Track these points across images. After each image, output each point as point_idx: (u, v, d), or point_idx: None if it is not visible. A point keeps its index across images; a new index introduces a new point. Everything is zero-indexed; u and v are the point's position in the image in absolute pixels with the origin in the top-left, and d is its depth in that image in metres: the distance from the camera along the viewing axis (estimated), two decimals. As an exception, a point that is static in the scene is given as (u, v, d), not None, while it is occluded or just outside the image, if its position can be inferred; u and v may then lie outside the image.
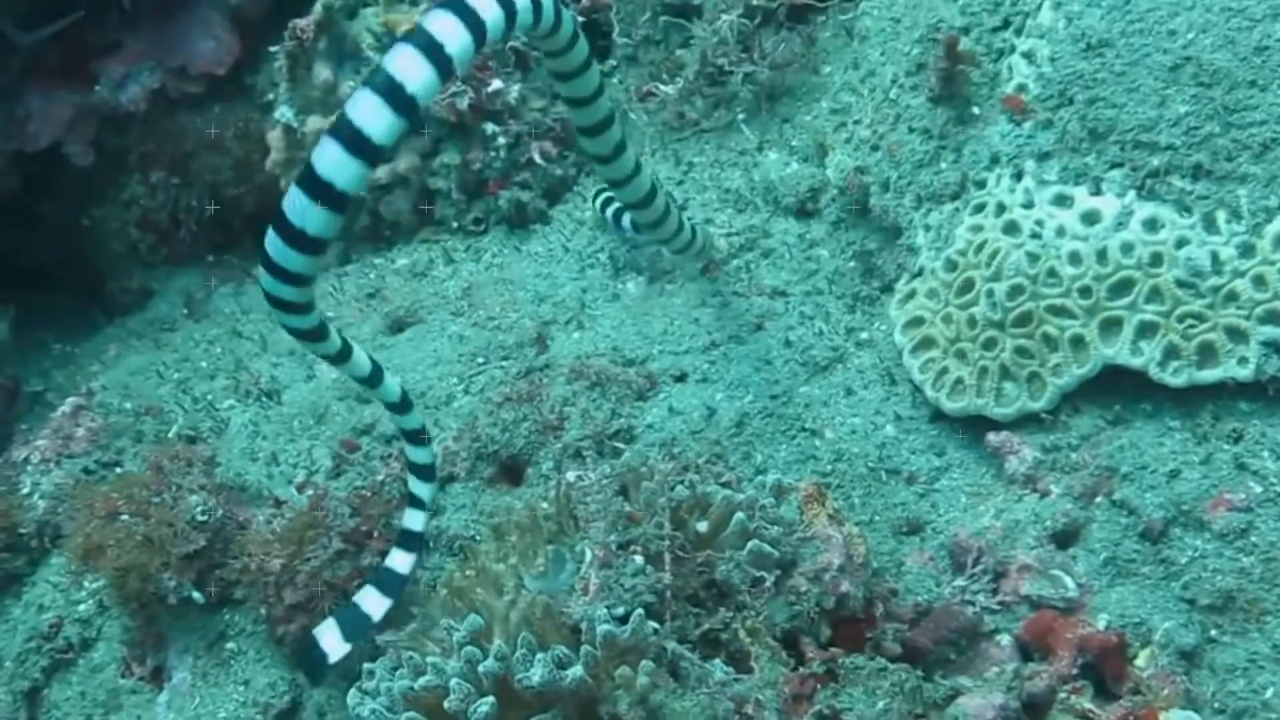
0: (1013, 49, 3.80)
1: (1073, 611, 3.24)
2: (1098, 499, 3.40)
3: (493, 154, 4.82)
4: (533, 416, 3.86)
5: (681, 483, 3.04)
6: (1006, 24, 3.84)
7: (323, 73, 4.93)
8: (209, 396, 4.51)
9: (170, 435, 4.38)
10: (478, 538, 3.60)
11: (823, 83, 4.61)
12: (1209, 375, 3.39)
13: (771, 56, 4.62)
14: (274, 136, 5.11)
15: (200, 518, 3.77)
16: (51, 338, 5.56)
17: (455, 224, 4.90)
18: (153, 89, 5.44)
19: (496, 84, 4.79)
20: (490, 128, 4.81)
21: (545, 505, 3.12)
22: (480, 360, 4.22)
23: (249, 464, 4.14)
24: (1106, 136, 3.56)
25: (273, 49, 5.03)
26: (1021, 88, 3.72)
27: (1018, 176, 3.66)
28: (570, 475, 3.19)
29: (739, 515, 2.98)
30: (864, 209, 4.12)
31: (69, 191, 5.61)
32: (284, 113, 5.04)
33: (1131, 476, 3.39)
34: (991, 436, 3.55)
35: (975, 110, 3.83)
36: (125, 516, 3.81)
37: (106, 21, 5.43)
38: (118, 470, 4.33)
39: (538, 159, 4.84)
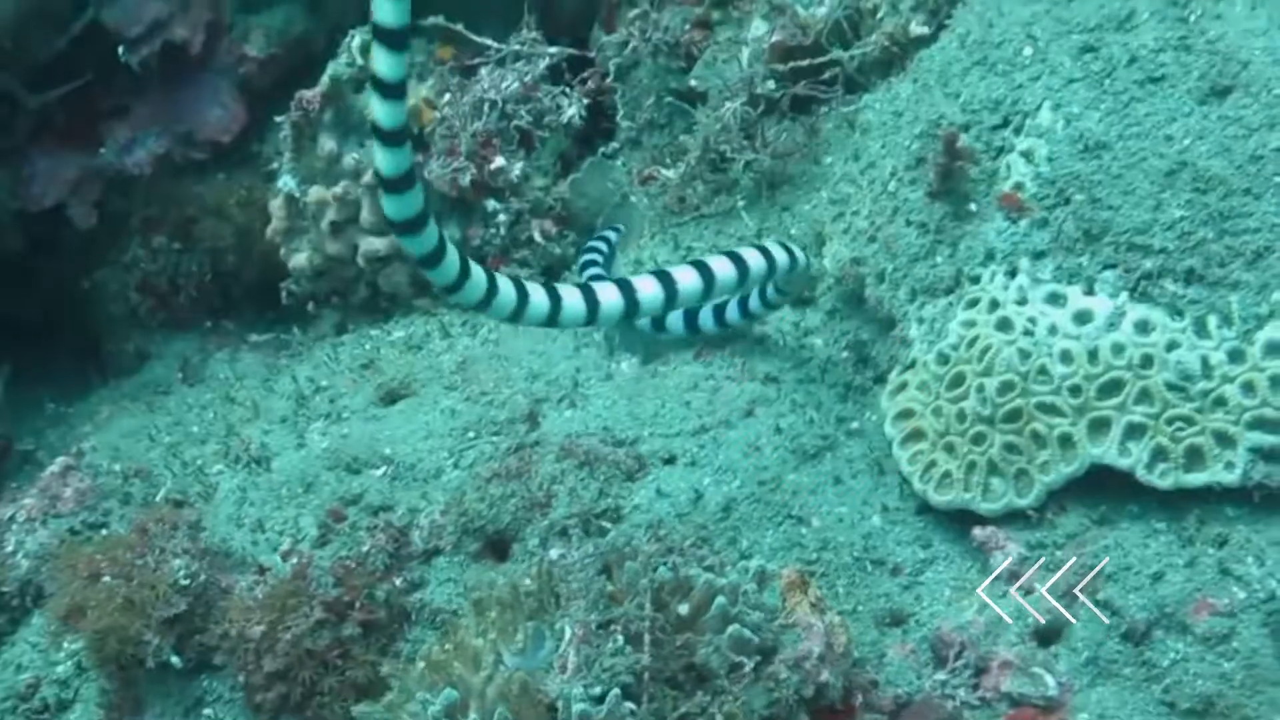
0: (1011, 147, 3.82)
1: (1053, 710, 3.22)
2: (1081, 598, 3.39)
3: (493, 230, 4.86)
4: (520, 493, 3.86)
5: (664, 564, 3.04)
6: (1006, 122, 3.87)
7: (327, 144, 4.98)
8: (199, 461, 4.51)
9: (158, 498, 4.37)
10: (459, 612, 3.59)
11: (824, 173, 4.66)
12: (1196, 479, 3.39)
13: (774, 145, 4.66)
14: (275, 205, 5.14)
15: (183, 582, 3.76)
16: (46, 397, 5.57)
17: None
18: (158, 154, 5.50)
19: (499, 161, 4.83)
20: (492, 204, 4.85)
21: (528, 582, 3.11)
22: (471, 435, 4.22)
23: (235, 530, 4.13)
24: (1101, 238, 3.58)
25: (278, 118, 5.06)
26: (1019, 186, 3.75)
27: (1012, 273, 3.68)
28: (553, 553, 3.19)
29: (720, 599, 2.98)
30: (859, 299, 4.15)
31: (70, 252, 5.65)
32: (286, 182, 5.08)
33: (1116, 577, 3.37)
34: (977, 531, 3.54)
35: (972, 206, 3.85)
36: (107, 578, 3.79)
37: (115, 85, 5.48)
38: (104, 531, 4.31)
39: (537, 237, 4.88)
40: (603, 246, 4.79)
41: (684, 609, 2.98)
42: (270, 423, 4.62)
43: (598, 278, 4.30)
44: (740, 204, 4.73)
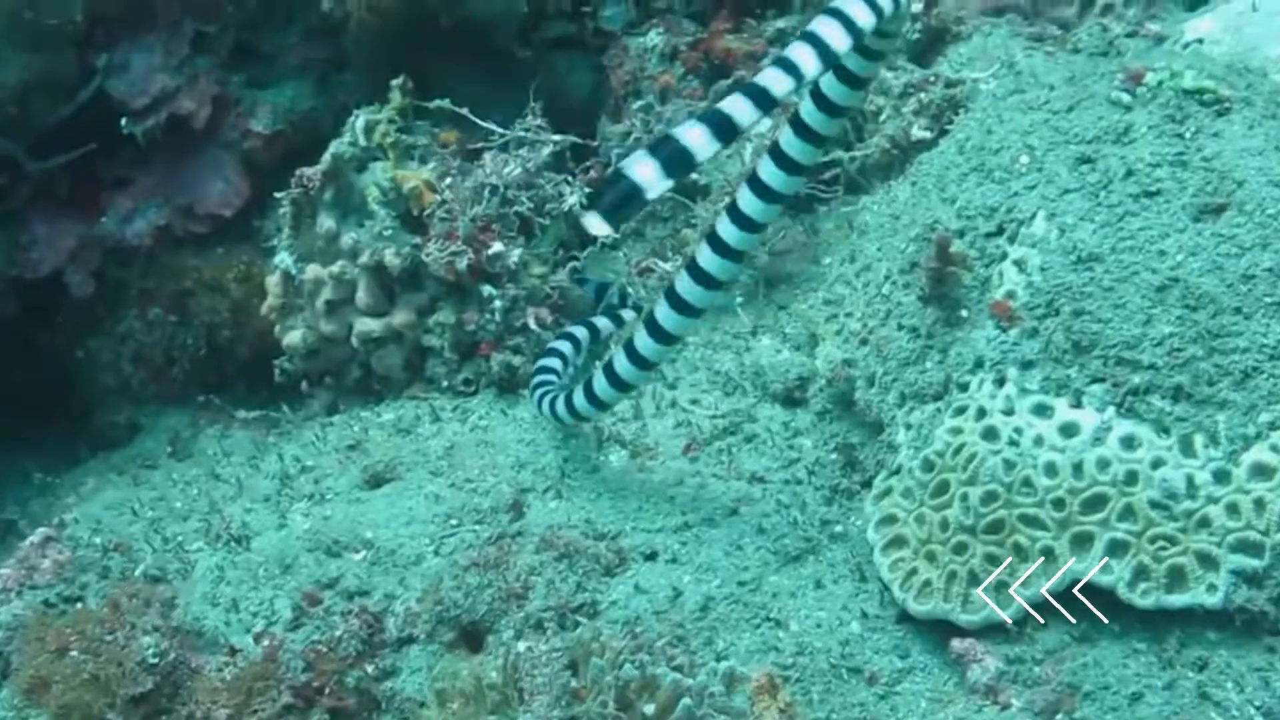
0: (1005, 255, 3.81)
1: (1024, 829, 3.17)
2: (1058, 716, 3.34)
3: (488, 316, 4.83)
4: (498, 583, 3.81)
5: (631, 662, 3.00)
6: (1000, 230, 3.86)
7: (326, 222, 4.96)
8: (179, 537, 4.46)
9: (136, 574, 4.33)
10: (423, 703, 3.54)
11: (821, 273, 4.65)
12: (1178, 600, 3.35)
13: (772, 243, 4.66)
14: (272, 282, 5.13)
15: (151, 660, 3.71)
16: (34, 466, 5.52)
17: (445, 383, 4.89)
18: (159, 225, 5.50)
19: (498, 247, 4.82)
20: (488, 290, 4.83)
21: (493, 674, 3.08)
22: (454, 522, 4.18)
23: (209, 608, 4.08)
24: (1090, 350, 3.56)
25: (278, 195, 5.07)
26: (1010, 294, 3.73)
27: (1000, 383, 3.66)
28: (521, 645, 3.15)
29: (686, 701, 2.94)
30: (850, 401, 4.13)
31: (66, 321, 5.64)
32: (283, 259, 5.06)
33: (1094, 696, 3.33)
34: (956, 643, 3.50)
35: (964, 313, 3.83)
36: (75, 653, 3.74)
37: (119, 155, 5.50)
38: (79, 605, 4.27)
39: (532, 325, 4.85)
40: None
41: (649, 709, 2.95)
42: (253, 501, 4.58)
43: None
44: (738, 300, 4.71)
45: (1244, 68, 4.09)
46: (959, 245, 3.87)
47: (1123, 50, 4.48)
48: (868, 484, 3.98)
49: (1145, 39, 4.59)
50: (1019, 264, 3.76)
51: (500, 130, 5.06)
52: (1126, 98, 3.94)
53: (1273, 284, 3.50)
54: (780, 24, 5.42)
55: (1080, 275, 3.64)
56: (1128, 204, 3.71)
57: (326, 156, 4.98)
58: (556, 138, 5.04)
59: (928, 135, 4.44)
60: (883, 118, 4.58)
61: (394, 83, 5.07)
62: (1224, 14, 4.53)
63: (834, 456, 4.15)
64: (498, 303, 4.83)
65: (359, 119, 5.08)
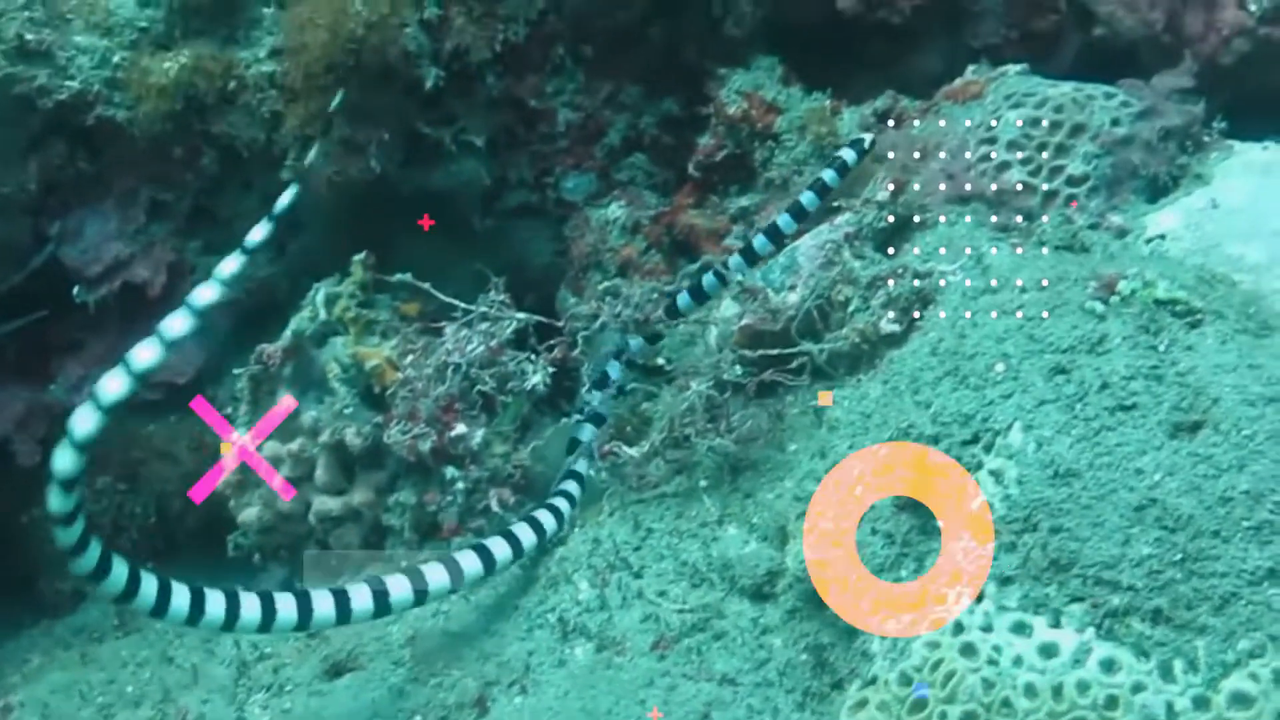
0: (980, 465, 3.81)
1: None
2: None
3: (450, 498, 4.78)
4: (460, 787, 3.76)
5: None
6: (976, 439, 3.86)
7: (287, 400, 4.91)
8: (129, 727, 4.37)
9: (87, 767, 4.23)
10: None
11: (787, 460, 4.62)
12: (1160, 831, 3.33)
13: (738, 431, 4.63)
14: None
15: None
16: (-28, 633, 5.41)
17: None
18: (109, 392, 5.41)
19: (461, 428, 4.77)
20: (450, 472, 4.78)
21: None
22: (418, 719, 4.11)
23: (156, 808, 3.99)
24: (1069, 569, 3.56)
25: (236, 371, 5.01)
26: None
27: (978, 598, 3.64)
28: None
29: None
30: (820, 600, 4.09)
31: (10, 487, 5.52)
32: (242, 435, 5.00)
33: None
34: None
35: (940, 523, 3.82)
36: None
37: (70, 320, 5.43)
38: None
39: (495, 507, 4.80)
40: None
41: None
42: (209, 691, 4.48)
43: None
44: (702, 484, 4.67)
45: (1213, 277, 4.14)
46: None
47: (1088, 245, 4.50)
48: (838, 685, 3.94)
49: (1108, 231, 4.62)
50: (996, 475, 3.75)
51: (463, 305, 5.02)
52: (1100, 306, 3.97)
53: (1250, 507, 3.51)
54: (743, 201, 5.46)
55: (1058, 491, 3.64)
56: (1104, 418, 3.72)
57: (287, 333, 4.94)
58: (520, 315, 5.00)
59: (897, 329, 4.44)
60: (851, 307, 4.58)
61: (355, 258, 5.05)
62: (1185, 209, 4.59)
63: (804, 657, 4.09)
64: (460, 484, 4.78)
65: (319, 292, 5.05)
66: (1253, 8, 5.81)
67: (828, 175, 5.01)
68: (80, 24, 5.15)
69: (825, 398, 4.47)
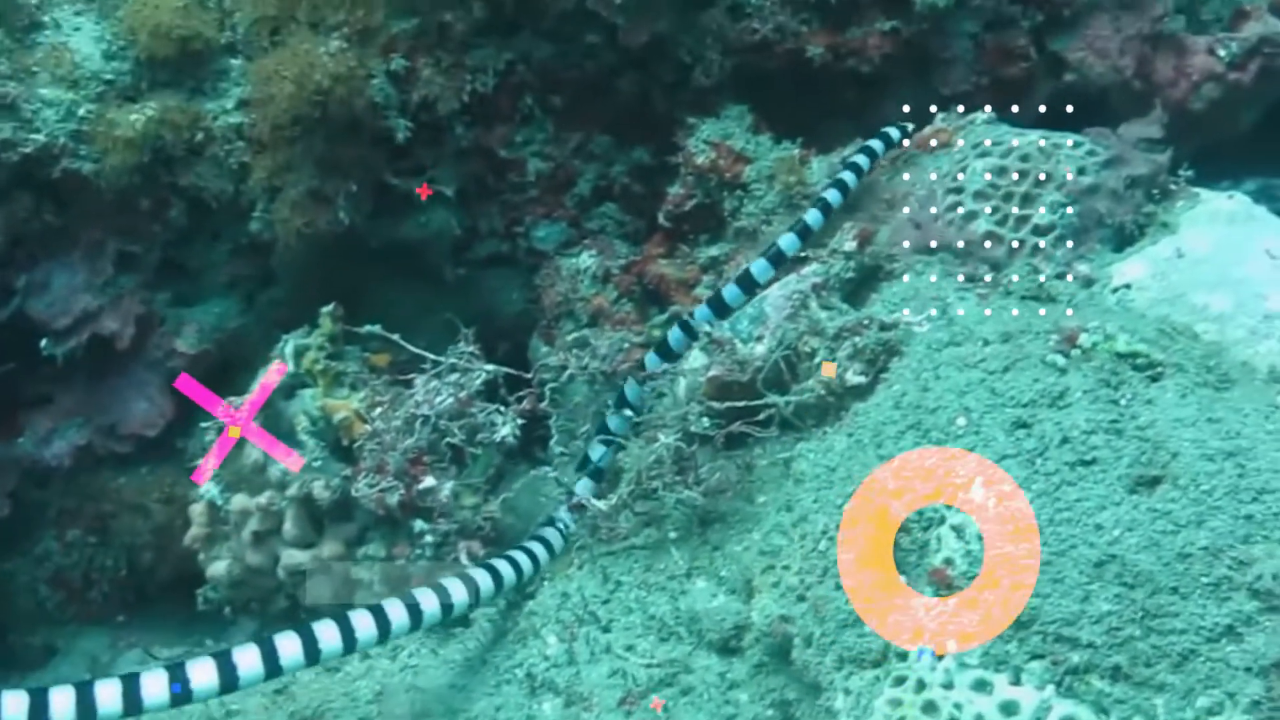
0: (943, 520, 3.80)
1: None
2: None
3: (419, 551, 4.77)
4: None
5: None
6: (938, 494, 3.85)
7: (254, 453, 4.90)
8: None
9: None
10: None
11: (756, 512, 4.60)
12: None
13: (706, 483, 4.62)
14: (196, 511, 5.05)
15: None
16: (-58, 689, 5.37)
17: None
18: (79, 445, 5.41)
19: (429, 481, 4.76)
20: (419, 525, 4.77)
21: None
22: (384, 779, 4.11)
23: None
24: (1029, 625, 3.54)
25: (204, 424, 5.00)
26: (948, 561, 3.72)
27: (940, 655, 3.63)
28: None
29: None
30: (786, 655, 4.07)
31: (-22, 541, 5.54)
32: (209, 489, 4.99)
33: None
34: None
35: (902, 578, 3.81)
36: None
37: (38, 373, 5.42)
38: None
39: (464, 559, 4.78)
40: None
41: None
42: (178, 751, 4.46)
43: None
44: (671, 536, 4.66)
45: (1174, 329, 4.14)
46: (896, 508, 3.86)
47: (1054, 295, 4.50)
48: (804, 741, 3.94)
49: (1075, 281, 4.61)
50: (957, 530, 3.74)
51: (433, 357, 5.01)
52: (1061, 360, 3.97)
53: (1208, 564, 3.50)
54: (713, 250, 5.46)
55: (1018, 547, 3.63)
56: (1064, 472, 3.72)
57: (255, 385, 4.92)
58: (489, 367, 5.00)
59: (863, 380, 4.43)
60: (816, 359, 4.57)
61: (324, 310, 5.04)
62: (1151, 258, 4.59)
63: (770, 713, 4.08)
64: (429, 537, 4.77)
65: (288, 344, 5.05)
66: (1222, 53, 5.83)
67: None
68: (46, 77, 5.15)
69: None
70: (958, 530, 3.74)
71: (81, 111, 5.18)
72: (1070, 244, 4.73)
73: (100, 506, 5.49)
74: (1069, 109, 5.28)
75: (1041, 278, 4.60)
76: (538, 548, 4.64)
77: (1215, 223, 4.67)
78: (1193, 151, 5.65)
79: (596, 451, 5.04)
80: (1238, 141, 6.13)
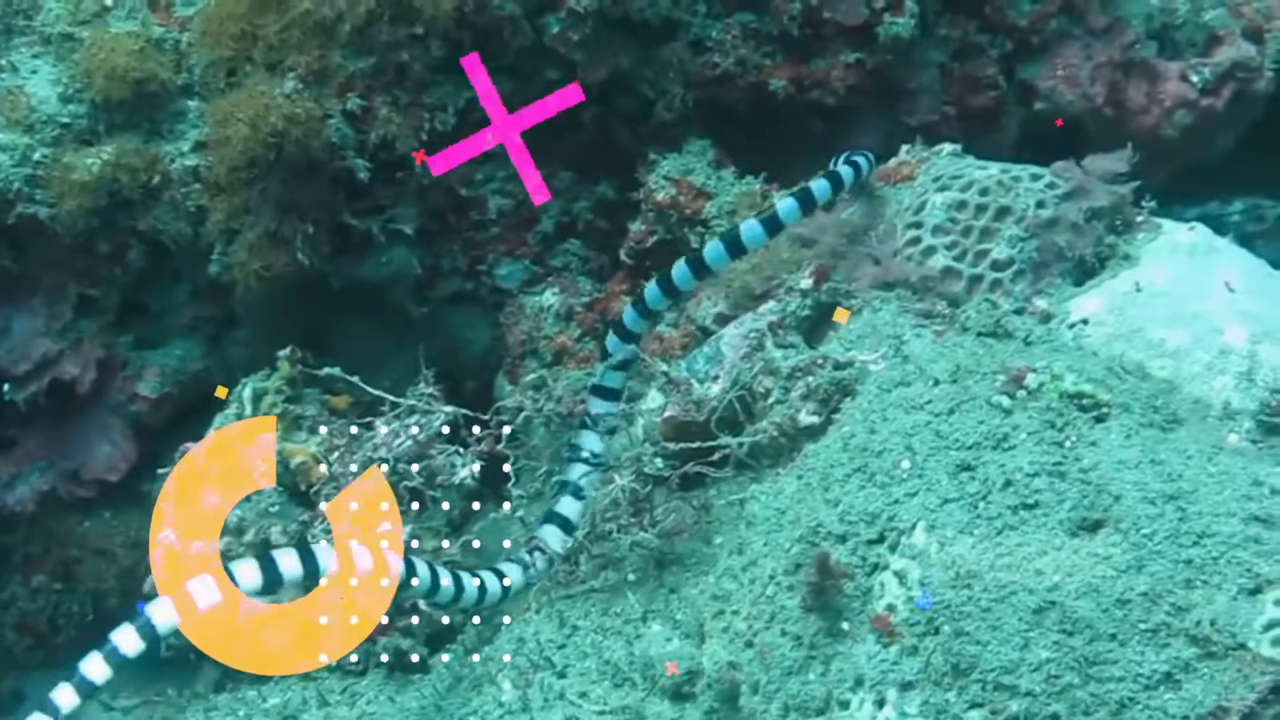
0: (886, 565, 3.75)
1: None
2: None
3: (375, 594, 4.73)
4: None
5: None
6: (882, 538, 3.80)
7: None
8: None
9: None
10: None
11: (713, 553, 4.56)
12: None
13: (661, 525, 4.57)
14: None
15: None
16: (-97, 738, 5.38)
17: (333, 663, 4.77)
18: (43, 490, 5.40)
19: (386, 527, 4.72)
20: (378, 570, 4.72)
21: None
22: (338, 830, 4.07)
23: None
24: (969, 674, 3.49)
25: (160, 470, 4.97)
26: (891, 608, 3.67)
27: (880, 704, 3.58)
28: None
29: None
30: (735, 703, 4.03)
31: (-57, 587, 5.53)
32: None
33: None
34: None
35: (845, 625, 3.75)
36: None
37: (1, 419, 5.40)
38: None
39: (424, 605, 4.75)
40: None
41: None
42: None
43: None
44: (630, 577, 4.62)
45: (1123, 368, 4.09)
46: (841, 552, 3.80)
47: (1011, 330, 4.43)
48: (753, 789, 3.88)
49: (1033, 316, 4.55)
50: (899, 576, 3.70)
51: (392, 399, 4.98)
52: (1007, 401, 3.92)
53: (1147, 609, 3.44)
54: (676, 287, 5.41)
55: (959, 593, 3.58)
56: (1006, 516, 3.66)
57: (211, 431, 4.90)
58: (448, 409, 4.95)
59: (816, 420, 4.39)
60: (771, 399, 4.53)
61: (281, 353, 5.02)
62: (1109, 293, 4.53)
63: (721, 758, 4.05)
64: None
65: (247, 387, 5.02)
66: (1195, 79, 5.78)
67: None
68: (1, 121, 5.14)
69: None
70: (900, 576, 3.70)
71: (37, 155, 5.18)
72: (1030, 278, 4.68)
73: (66, 551, 5.49)
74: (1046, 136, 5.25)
75: (998, 314, 4.53)
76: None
77: (1175, 255, 4.60)
78: (1168, 176, 5.61)
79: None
80: (1223, 161, 6.09)
